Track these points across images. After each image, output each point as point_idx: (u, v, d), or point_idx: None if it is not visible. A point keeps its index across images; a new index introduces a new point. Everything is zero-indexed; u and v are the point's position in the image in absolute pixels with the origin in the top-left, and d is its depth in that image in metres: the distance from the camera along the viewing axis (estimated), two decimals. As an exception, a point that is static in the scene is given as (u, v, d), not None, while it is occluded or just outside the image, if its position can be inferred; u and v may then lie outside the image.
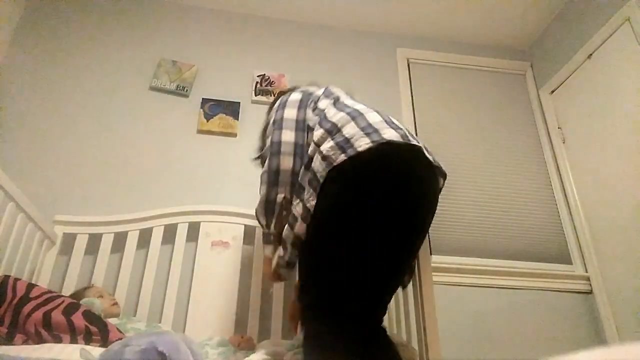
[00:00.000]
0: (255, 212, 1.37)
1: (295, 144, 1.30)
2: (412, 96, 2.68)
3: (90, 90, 2.33)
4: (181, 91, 2.40)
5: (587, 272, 2.28)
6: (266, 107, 2.41)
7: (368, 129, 1.16)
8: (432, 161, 1.23)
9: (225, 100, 2.41)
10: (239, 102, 2.41)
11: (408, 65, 2.79)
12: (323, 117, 1.29)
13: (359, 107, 1.28)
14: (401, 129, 1.20)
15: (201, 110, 2.37)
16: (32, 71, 2.30)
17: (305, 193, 1.20)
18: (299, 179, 1.26)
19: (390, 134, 1.14)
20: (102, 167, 2.15)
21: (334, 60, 2.73)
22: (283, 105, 1.39)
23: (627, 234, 2.06)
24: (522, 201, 2.46)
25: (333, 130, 1.21)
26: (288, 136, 1.30)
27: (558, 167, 2.55)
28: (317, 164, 1.18)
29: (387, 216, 1.12)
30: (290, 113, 1.35)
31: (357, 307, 1.11)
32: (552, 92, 2.67)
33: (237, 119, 2.37)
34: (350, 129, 1.18)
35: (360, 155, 1.11)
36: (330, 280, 1.13)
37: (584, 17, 2.46)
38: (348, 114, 1.24)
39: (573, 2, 2.57)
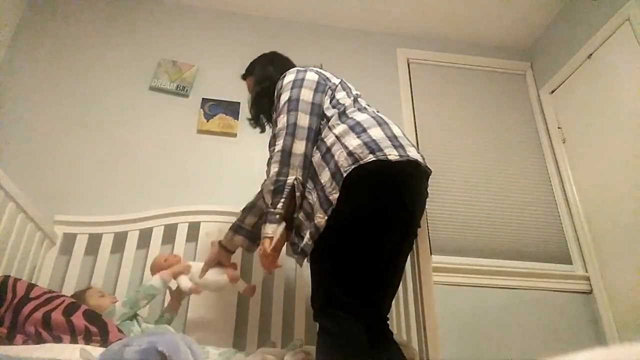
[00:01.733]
0: (262, 189, 1.35)
1: (309, 129, 1.29)
2: (412, 96, 2.68)
3: (90, 90, 2.33)
4: (181, 91, 2.40)
5: (587, 272, 2.28)
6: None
7: (395, 141, 1.22)
8: (427, 169, 1.33)
9: (225, 100, 2.41)
10: (239, 102, 2.41)
11: (408, 65, 2.79)
12: (342, 112, 1.31)
13: (379, 112, 1.35)
14: (416, 148, 1.30)
15: (201, 110, 2.37)
16: (32, 71, 2.30)
17: (326, 184, 1.19)
18: (314, 165, 1.27)
19: (414, 153, 1.23)
20: (102, 167, 2.15)
21: (334, 60, 2.72)
22: (300, 84, 1.36)
23: (627, 234, 2.06)
24: (522, 201, 2.46)
25: (357, 128, 1.23)
26: (303, 120, 1.29)
27: (558, 167, 2.55)
28: (342, 159, 1.18)
29: (396, 223, 1.21)
30: (307, 95, 1.34)
31: (364, 305, 1.16)
32: (552, 92, 2.67)
33: (237, 119, 2.37)
34: (377, 133, 1.22)
35: (390, 163, 1.16)
36: (345, 274, 1.16)
37: (584, 17, 2.46)
38: (373, 117, 1.28)
39: (573, 2, 2.57)
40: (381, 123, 1.27)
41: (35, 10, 2.47)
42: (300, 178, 1.25)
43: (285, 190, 1.25)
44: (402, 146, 1.21)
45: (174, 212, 2.01)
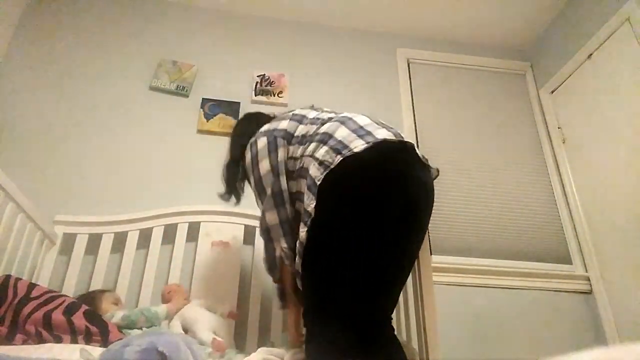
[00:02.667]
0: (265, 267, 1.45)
1: (276, 194, 1.32)
2: (412, 96, 2.68)
3: (90, 90, 2.33)
4: (181, 91, 2.40)
5: (587, 272, 2.28)
6: (266, 107, 2.43)
7: (360, 131, 1.18)
8: (422, 158, 1.26)
9: (225, 100, 2.41)
10: (239, 102, 2.41)
11: (408, 65, 2.79)
12: (308, 137, 1.30)
13: (344, 113, 1.30)
14: (392, 128, 1.23)
15: (201, 110, 2.37)
16: (32, 71, 2.30)
17: (305, 197, 1.20)
18: (287, 189, 1.32)
19: (383, 133, 1.17)
20: (102, 167, 2.15)
21: (334, 60, 2.73)
22: (256, 160, 1.38)
23: (627, 234, 2.06)
24: (522, 201, 2.46)
25: (324, 138, 1.22)
26: (270, 189, 1.33)
27: (558, 167, 2.55)
28: (314, 170, 1.18)
29: (386, 215, 1.13)
30: (265, 166, 1.35)
31: (357, 307, 1.12)
32: (552, 92, 2.67)
33: (237, 119, 2.37)
34: (342, 132, 1.19)
35: (356, 155, 1.12)
36: (332, 280, 1.14)
37: (584, 17, 2.46)
38: (336, 120, 1.25)
39: (573, 2, 2.57)
40: (344, 120, 1.24)
41: (35, 10, 2.47)
42: (285, 245, 1.32)
43: (277, 264, 1.36)
44: (369, 133, 1.16)
45: (174, 212, 2.01)
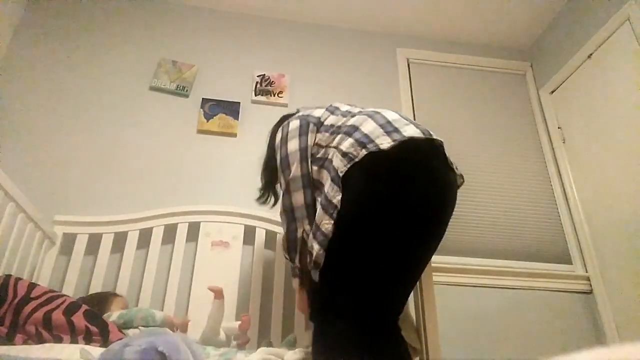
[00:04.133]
0: (282, 247, 1.41)
1: (302, 176, 1.31)
2: (412, 96, 2.68)
3: (90, 90, 2.33)
4: (181, 91, 2.40)
5: (587, 272, 2.28)
6: (266, 107, 2.44)
7: (388, 127, 1.17)
8: (450, 162, 1.25)
9: (225, 100, 2.41)
10: (239, 102, 2.41)
11: (408, 65, 2.79)
12: (336, 130, 1.30)
13: (373, 109, 1.30)
14: (420, 125, 1.21)
15: (201, 110, 2.37)
16: (32, 71, 2.30)
17: (328, 190, 1.19)
18: (315, 177, 1.30)
19: (410, 131, 1.15)
20: (102, 167, 2.15)
21: (334, 60, 2.73)
22: (286, 139, 1.39)
23: (627, 234, 2.06)
24: (522, 201, 2.46)
25: (350, 131, 1.22)
26: (295, 170, 1.31)
27: (558, 167, 2.55)
28: (338, 162, 1.18)
29: (410, 214, 1.13)
30: (294, 145, 1.35)
31: (371, 305, 1.12)
32: (552, 92, 2.67)
33: (237, 119, 2.37)
34: (369, 126, 1.19)
35: (382, 152, 1.11)
36: (354, 276, 1.13)
37: (584, 17, 2.46)
38: (365, 114, 1.25)
39: (573, 2, 2.57)
40: (372, 115, 1.23)
41: (35, 10, 2.47)
42: (308, 227, 1.28)
43: (297, 245, 1.30)
44: (396, 130, 1.15)
45: (174, 212, 2.01)
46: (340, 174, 1.15)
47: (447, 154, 1.26)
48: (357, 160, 1.13)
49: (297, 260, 1.32)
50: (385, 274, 1.13)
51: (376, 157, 1.12)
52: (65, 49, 2.40)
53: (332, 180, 1.18)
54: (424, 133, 1.17)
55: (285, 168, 1.34)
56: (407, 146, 1.12)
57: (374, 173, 1.13)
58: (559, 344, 2.09)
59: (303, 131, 1.36)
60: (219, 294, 1.66)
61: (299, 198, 1.30)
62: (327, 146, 1.28)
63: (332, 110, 1.40)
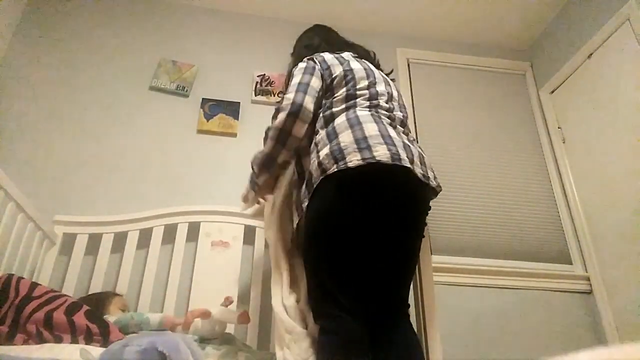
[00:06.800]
0: (253, 159, 1.47)
1: (314, 113, 1.36)
2: (412, 96, 2.68)
3: (90, 90, 2.33)
4: (181, 91, 2.40)
5: (587, 272, 2.28)
6: (266, 107, 2.43)
7: (362, 143, 1.20)
8: (422, 178, 1.25)
9: (225, 100, 2.41)
10: (239, 102, 2.41)
11: (408, 65, 2.79)
12: (330, 117, 1.34)
13: (366, 113, 1.31)
14: (394, 145, 1.22)
15: (201, 110, 2.37)
16: (32, 71, 2.30)
17: (303, 190, 1.29)
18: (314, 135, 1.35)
19: (380, 153, 1.18)
20: (102, 167, 2.15)
21: (334, 60, 2.72)
22: (312, 71, 1.43)
23: (627, 234, 2.06)
24: (522, 201, 2.46)
25: (331, 136, 1.27)
26: (309, 103, 1.34)
27: (558, 167, 2.55)
28: (314, 169, 1.25)
29: (367, 223, 1.21)
30: (316, 83, 1.40)
31: (343, 306, 1.17)
32: (552, 92, 2.67)
33: (237, 119, 2.37)
34: (346, 138, 1.23)
35: (349, 170, 1.18)
36: (322, 279, 1.21)
37: (584, 17, 2.46)
38: (349, 119, 1.28)
39: (573, 2, 2.57)
40: (354, 124, 1.25)
41: (35, 10, 2.47)
42: (289, 159, 1.40)
43: (272, 167, 1.42)
44: (368, 147, 1.19)
45: (174, 212, 2.01)
46: (314, 184, 1.23)
47: (428, 164, 1.32)
48: (328, 173, 1.20)
49: (262, 179, 1.45)
50: (357, 276, 1.21)
51: (344, 174, 1.18)
52: (65, 49, 2.40)
53: (306, 184, 1.28)
54: (392, 157, 1.19)
55: (302, 91, 1.36)
56: (373, 167, 1.17)
57: (341, 187, 1.20)
58: (559, 344, 2.09)
59: (317, 73, 1.42)
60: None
61: (300, 130, 1.33)
62: (316, 131, 1.35)
63: (350, 79, 1.40)
